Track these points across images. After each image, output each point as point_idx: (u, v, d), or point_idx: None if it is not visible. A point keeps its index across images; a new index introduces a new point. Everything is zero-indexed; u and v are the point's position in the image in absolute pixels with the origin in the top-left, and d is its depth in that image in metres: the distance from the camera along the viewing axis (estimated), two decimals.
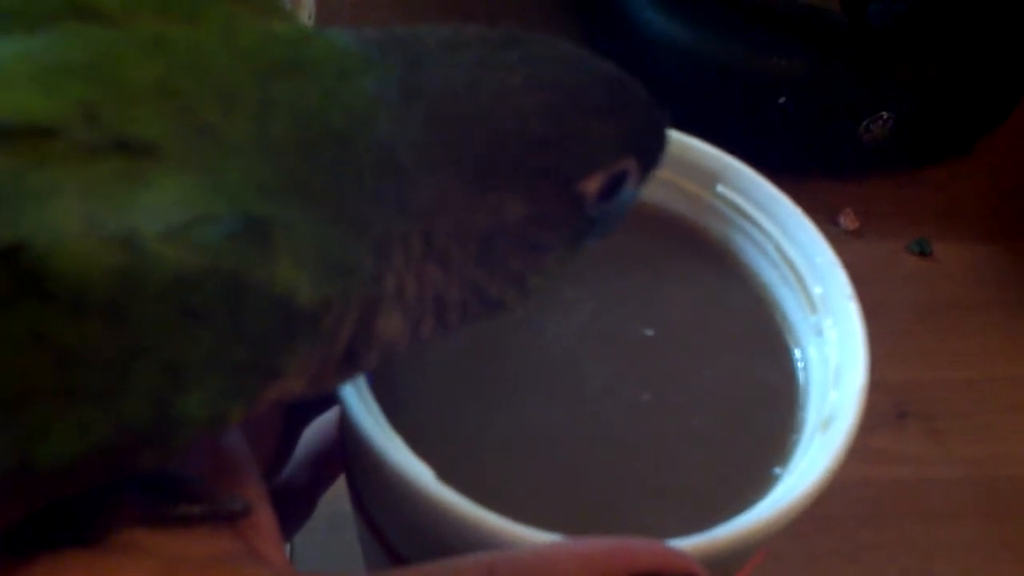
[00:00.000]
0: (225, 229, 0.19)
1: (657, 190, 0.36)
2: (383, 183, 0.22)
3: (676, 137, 0.35)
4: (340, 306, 0.21)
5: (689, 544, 0.26)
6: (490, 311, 0.25)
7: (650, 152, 0.26)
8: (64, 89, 0.18)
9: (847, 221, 0.59)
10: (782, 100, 0.57)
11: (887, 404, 0.51)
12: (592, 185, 0.25)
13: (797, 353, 0.33)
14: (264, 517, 0.24)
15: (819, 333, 0.32)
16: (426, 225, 0.23)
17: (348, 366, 0.23)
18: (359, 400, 0.27)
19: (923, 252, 0.58)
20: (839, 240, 0.57)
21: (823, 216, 0.58)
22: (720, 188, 0.35)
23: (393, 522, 0.29)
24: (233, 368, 0.19)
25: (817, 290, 0.33)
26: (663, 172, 0.35)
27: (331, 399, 0.29)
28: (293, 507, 0.34)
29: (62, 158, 0.18)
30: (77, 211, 0.17)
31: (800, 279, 0.33)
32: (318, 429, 0.34)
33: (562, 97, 0.24)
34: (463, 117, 0.23)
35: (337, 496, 0.34)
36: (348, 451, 0.30)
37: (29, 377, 0.18)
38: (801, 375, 0.33)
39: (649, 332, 0.33)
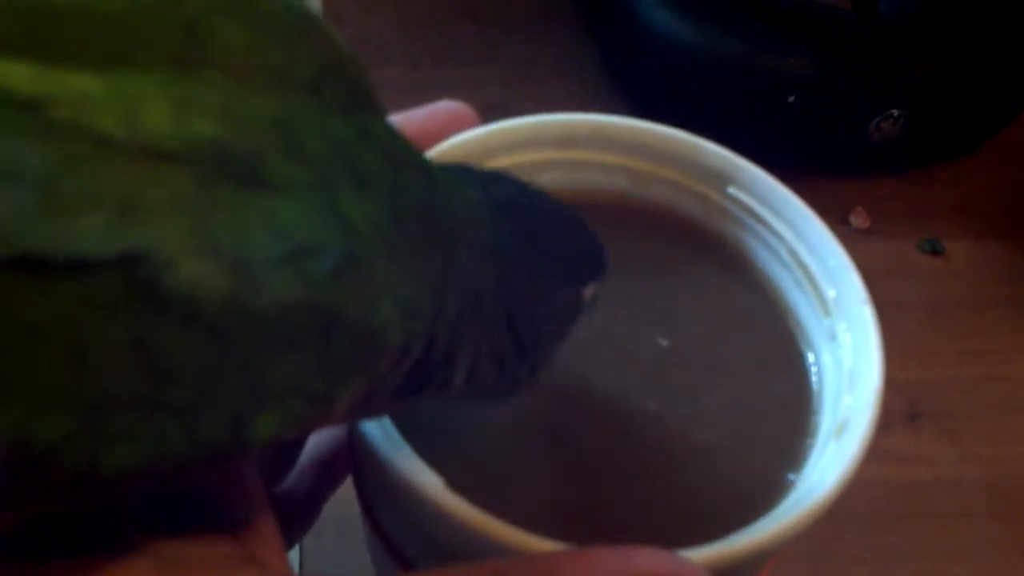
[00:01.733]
0: (330, 263, 0.20)
1: (667, 192, 0.35)
2: (484, 260, 0.25)
3: (687, 138, 0.35)
4: (412, 347, 0.22)
5: (703, 552, 0.26)
6: (520, 377, 0.28)
7: (602, 272, 0.31)
8: (196, 124, 0.19)
9: (858, 220, 0.58)
10: (791, 99, 0.57)
11: (899, 404, 0.51)
12: (589, 292, 0.29)
13: (811, 357, 0.33)
14: (264, 522, 0.24)
15: (833, 337, 0.32)
16: (507, 306, 0.26)
17: (398, 401, 0.24)
18: None
19: (935, 251, 0.58)
20: (850, 239, 0.56)
21: (833, 215, 0.58)
22: (731, 190, 0.34)
23: (401, 528, 0.29)
24: (307, 396, 0.20)
25: (831, 293, 0.32)
26: (674, 174, 0.35)
27: None
28: (298, 512, 0.34)
29: (185, 183, 0.18)
30: (196, 231, 0.18)
31: (813, 282, 0.33)
32: (323, 434, 0.34)
33: (570, 226, 0.30)
34: (531, 234, 0.27)
35: (345, 500, 0.33)
36: (357, 458, 0.30)
37: (119, 383, 0.18)
38: (815, 380, 0.32)
39: (661, 337, 0.33)
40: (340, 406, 0.21)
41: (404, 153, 0.24)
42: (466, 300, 0.24)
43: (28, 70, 0.17)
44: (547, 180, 0.35)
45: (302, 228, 0.19)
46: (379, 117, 0.24)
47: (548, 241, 0.28)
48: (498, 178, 0.28)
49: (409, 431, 0.27)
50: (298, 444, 0.33)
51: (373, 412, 0.26)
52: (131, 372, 0.18)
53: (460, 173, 0.27)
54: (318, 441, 0.34)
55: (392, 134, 0.24)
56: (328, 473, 0.34)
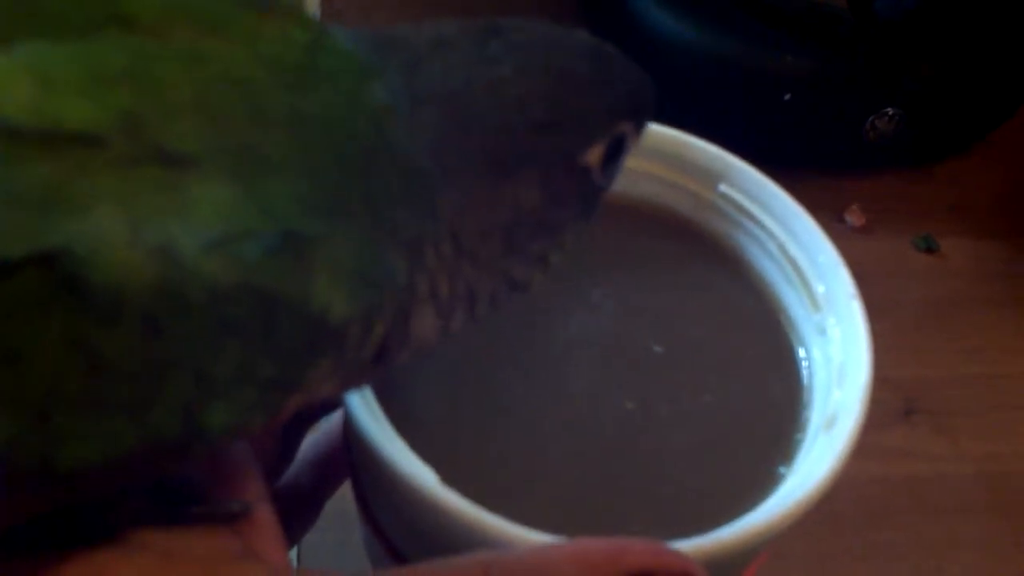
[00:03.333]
0: (264, 245, 0.19)
1: (659, 189, 0.36)
2: (409, 189, 0.22)
3: (677, 135, 0.35)
4: (373, 317, 0.22)
5: (693, 545, 0.26)
6: (517, 294, 0.26)
7: (642, 110, 0.27)
8: (108, 98, 0.18)
9: (853, 218, 0.58)
10: (787, 97, 0.57)
11: (896, 401, 0.51)
12: (595, 156, 0.25)
13: (801, 352, 0.33)
14: (264, 516, 0.25)
15: (822, 332, 0.32)
16: (453, 226, 0.23)
17: (379, 366, 0.24)
18: (363, 404, 0.28)
19: (930, 248, 0.58)
20: (846, 237, 0.57)
21: (829, 213, 0.58)
22: (722, 187, 0.35)
23: (396, 523, 0.30)
24: (260, 382, 0.20)
25: (820, 289, 0.33)
26: (664, 171, 0.35)
27: (335, 403, 0.29)
28: (299, 510, 0.34)
29: (104, 167, 0.18)
30: (118, 221, 0.18)
31: (803, 278, 0.33)
32: (324, 433, 0.34)
33: (553, 79, 0.25)
34: (469, 116, 0.23)
35: (345, 496, 0.34)
36: (352, 454, 0.30)
37: (60, 382, 0.18)
38: (805, 374, 0.32)
39: (652, 333, 0.33)
40: (311, 387, 0.21)
41: (316, 62, 0.22)
42: (419, 246, 0.23)
43: None
44: None
45: (230, 210, 0.19)
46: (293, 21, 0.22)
47: (512, 121, 0.24)
48: (442, 43, 0.24)
49: (404, 426, 0.27)
50: (296, 439, 0.33)
51: (358, 381, 0.25)
52: (70, 370, 0.18)
53: (379, 53, 0.24)
54: (318, 439, 0.34)
55: (307, 39, 0.22)
56: (329, 471, 0.34)
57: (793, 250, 0.33)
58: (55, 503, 0.21)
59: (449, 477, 0.26)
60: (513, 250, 0.25)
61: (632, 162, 0.35)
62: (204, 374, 0.19)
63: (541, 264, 0.26)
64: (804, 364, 0.33)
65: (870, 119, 0.58)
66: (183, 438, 0.19)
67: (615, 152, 0.26)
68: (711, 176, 0.35)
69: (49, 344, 0.17)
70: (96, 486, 0.21)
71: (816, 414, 0.31)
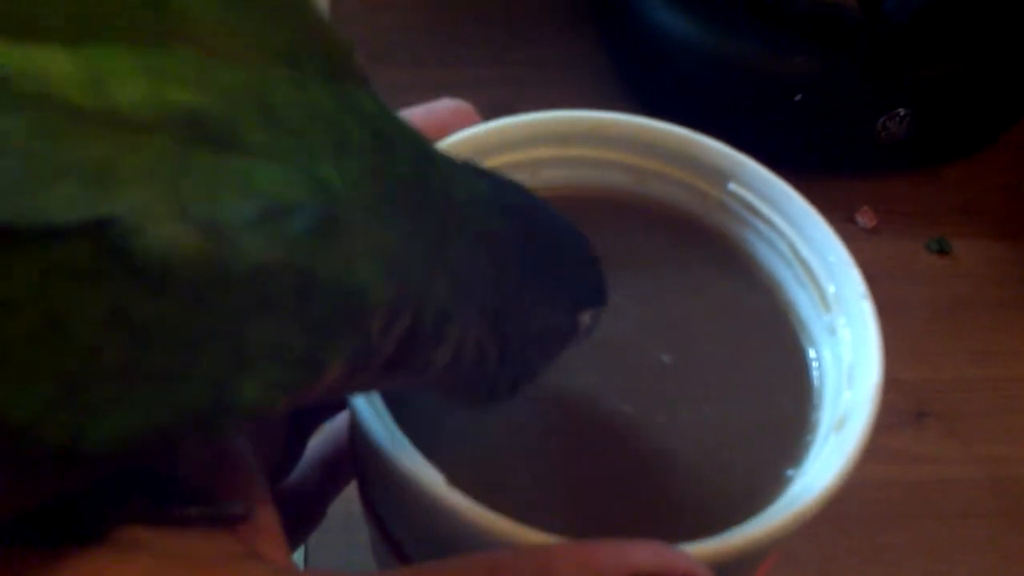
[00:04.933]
0: (307, 220, 0.19)
1: (667, 188, 0.35)
2: (478, 239, 0.24)
3: (686, 134, 0.35)
4: (400, 309, 0.22)
5: (701, 547, 0.26)
6: (508, 391, 0.28)
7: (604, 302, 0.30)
8: (168, 92, 0.19)
9: (865, 219, 0.58)
10: (798, 98, 0.57)
11: (906, 404, 0.51)
12: (587, 318, 0.29)
13: (811, 353, 0.33)
14: (266, 517, 0.24)
15: (833, 332, 0.32)
16: (497, 304, 0.25)
17: (391, 372, 0.24)
18: (369, 404, 0.27)
19: (942, 250, 0.58)
20: (857, 238, 0.57)
21: (840, 214, 0.58)
22: (732, 186, 0.34)
23: (402, 524, 0.29)
24: (292, 359, 0.20)
25: (831, 289, 0.32)
26: (673, 170, 0.35)
27: (340, 404, 0.29)
28: (305, 511, 0.34)
29: (159, 150, 0.18)
30: (168, 195, 0.18)
31: (814, 278, 0.33)
32: (329, 434, 0.34)
33: (575, 247, 0.29)
34: (531, 243, 0.27)
35: (351, 497, 0.34)
36: (358, 454, 0.30)
37: (99, 352, 0.18)
38: (815, 375, 0.32)
39: (661, 334, 0.33)
40: (331, 372, 0.21)
41: (394, 126, 0.23)
42: (457, 278, 0.24)
43: None
44: (546, 177, 0.35)
45: (276, 188, 0.19)
46: (365, 91, 0.23)
47: (549, 256, 0.28)
48: (507, 183, 0.28)
49: (410, 428, 0.27)
50: (300, 441, 0.33)
51: (366, 383, 0.25)
52: (109, 340, 0.18)
53: (467, 167, 0.27)
54: (324, 440, 0.34)
55: (381, 107, 0.23)
56: (334, 473, 0.34)
57: (803, 250, 0.33)
58: (51, 496, 0.21)
59: (455, 478, 0.26)
60: (523, 348, 0.27)
61: (641, 160, 0.35)
62: (240, 348, 0.19)
63: (529, 372, 0.28)
64: (814, 365, 0.32)
65: (881, 120, 0.58)
66: (213, 412, 0.19)
67: (593, 323, 0.30)
68: (720, 175, 0.35)
69: (92, 312, 0.18)
70: (122, 468, 0.21)
71: (826, 416, 0.31)
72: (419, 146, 0.24)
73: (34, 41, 0.18)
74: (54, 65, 0.18)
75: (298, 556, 0.42)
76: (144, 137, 0.18)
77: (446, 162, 0.25)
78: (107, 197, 0.17)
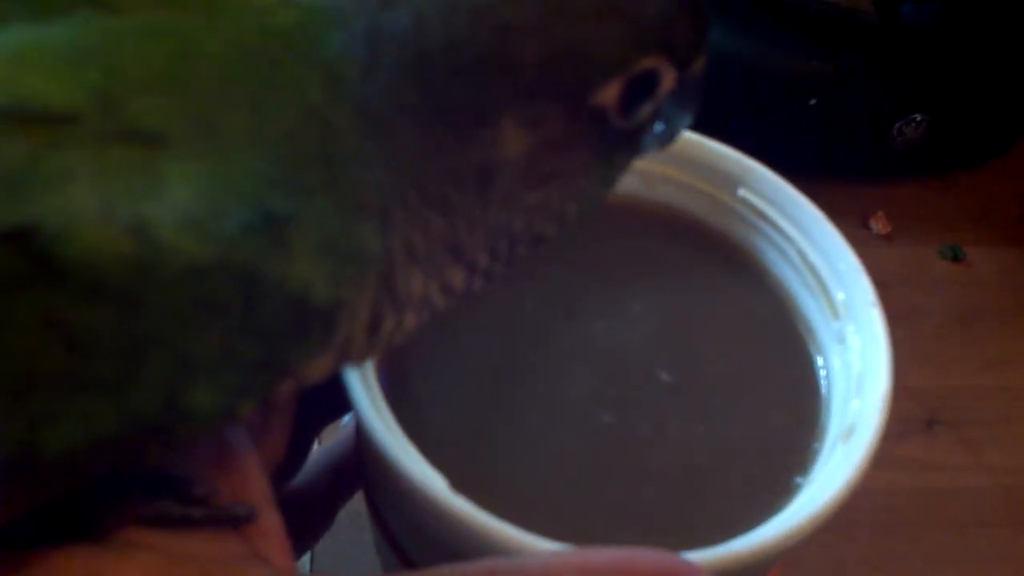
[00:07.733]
0: (240, 222, 0.19)
1: (677, 193, 0.35)
2: (369, 146, 0.21)
3: (696, 139, 0.34)
4: (354, 294, 0.21)
5: (708, 556, 0.26)
6: (528, 245, 0.24)
7: (681, 42, 0.23)
8: (79, 77, 0.18)
9: (879, 225, 0.58)
10: (813, 102, 0.57)
11: (917, 411, 0.50)
12: (610, 95, 0.22)
13: (819, 361, 0.33)
14: (269, 519, 0.24)
15: (841, 340, 0.32)
16: (416, 175, 0.21)
17: (376, 339, 0.23)
18: (374, 410, 0.27)
19: (956, 257, 0.57)
20: (870, 244, 0.56)
21: (854, 220, 0.58)
22: (742, 192, 0.34)
23: (406, 529, 0.29)
24: (245, 364, 0.19)
25: (840, 296, 0.32)
26: (682, 175, 0.35)
27: (344, 405, 0.29)
28: (312, 517, 0.34)
29: (77, 145, 0.18)
30: (91, 197, 0.17)
31: (823, 285, 0.33)
32: (338, 441, 0.34)
33: (550, 6, 0.21)
34: (437, 50, 0.21)
35: (359, 499, 0.34)
36: (363, 459, 0.30)
37: (37, 363, 0.18)
38: (823, 383, 0.32)
39: (669, 338, 0.33)
40: (302, 370, 0.20)
41: (273, 25, 0.21)
42: (386, 212, 0.21)
43: None
44: None
45: (202, 188, 0.19)
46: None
47: (493, 54, 0.21)
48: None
49: (415, 432, 0.27)
50: (305, 443, 0.33)
51: (360, 358, 0.24)
52: (45, 349, 0.17)
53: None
54: (333, 447, 0.34)
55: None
56: (342, 479, 0.34)
57: (813, 256, 0.33)
58: (48, 495, 0.20)
59: (459, 484, 0.26)
60: (498, 200, 0.22)
61: (650, 165, 0.35)
62: (184, 354, 0.19)
63: (547, 214, 0.23)
64: (822, 373, 0.32)
65: (897, 125, 0.57)
66: (166, 420, 0.19)
67: (642, 91, 0.23)
68: (730, 180, 0.34)
69: (24, 322, 0.17)
70: (85, 473, 0.20)
71: (834, 423, 0.30)
72: (297, 39, 0.21)
73: None
74: None
75: (304, 558, 0.42)
76: (62, 132, 0.17)
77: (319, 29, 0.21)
78: (26, 202, 0.17)
